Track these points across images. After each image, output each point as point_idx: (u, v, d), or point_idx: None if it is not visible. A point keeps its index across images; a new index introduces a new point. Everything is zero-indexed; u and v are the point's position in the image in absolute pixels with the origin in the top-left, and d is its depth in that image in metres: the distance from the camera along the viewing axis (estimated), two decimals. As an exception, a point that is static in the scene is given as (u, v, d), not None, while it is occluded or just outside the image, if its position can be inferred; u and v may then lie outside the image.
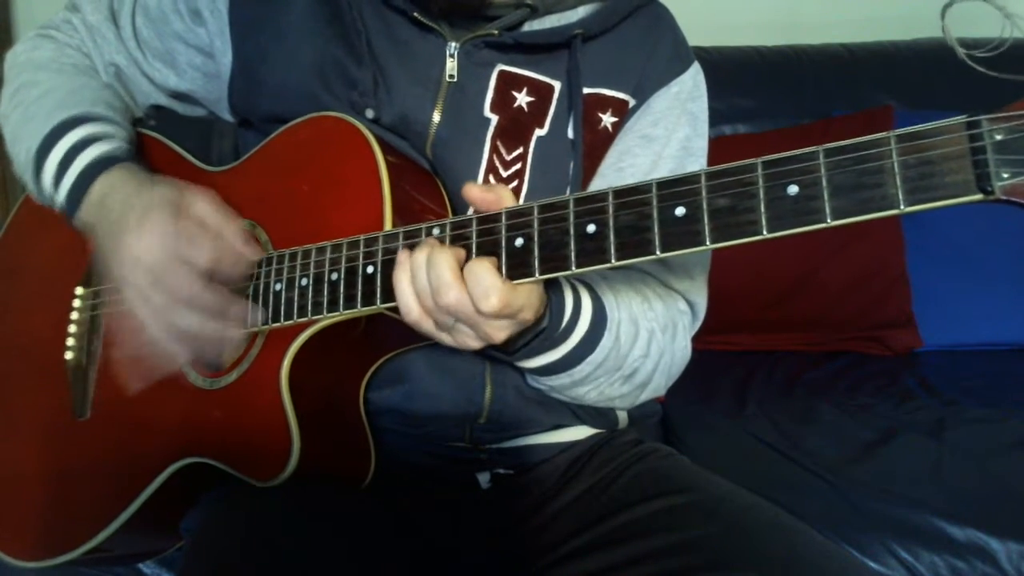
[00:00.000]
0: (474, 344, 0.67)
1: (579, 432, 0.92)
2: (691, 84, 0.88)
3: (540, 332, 0.72)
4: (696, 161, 0.87)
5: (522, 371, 0.83)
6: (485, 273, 0.62)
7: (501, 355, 0.78)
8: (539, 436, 0.90)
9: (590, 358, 0.77)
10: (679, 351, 0.85)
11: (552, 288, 0.72)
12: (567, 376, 0.78)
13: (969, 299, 1.62)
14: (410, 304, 0.65)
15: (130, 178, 0.80)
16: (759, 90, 1.79)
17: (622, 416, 0.93)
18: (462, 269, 0.63)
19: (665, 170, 0.84)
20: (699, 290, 0.87)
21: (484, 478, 0.89)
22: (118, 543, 0.84)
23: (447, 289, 0.62)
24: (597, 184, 0.85)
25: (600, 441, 0.92)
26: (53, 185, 0.83)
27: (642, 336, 0.80)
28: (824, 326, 1.66)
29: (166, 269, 0.71)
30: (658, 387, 0.85)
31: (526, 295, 0.64)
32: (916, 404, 1.42)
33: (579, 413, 0.90)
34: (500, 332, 0.65)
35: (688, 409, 1.38)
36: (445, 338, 0.67)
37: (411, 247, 0.66)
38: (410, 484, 0.87)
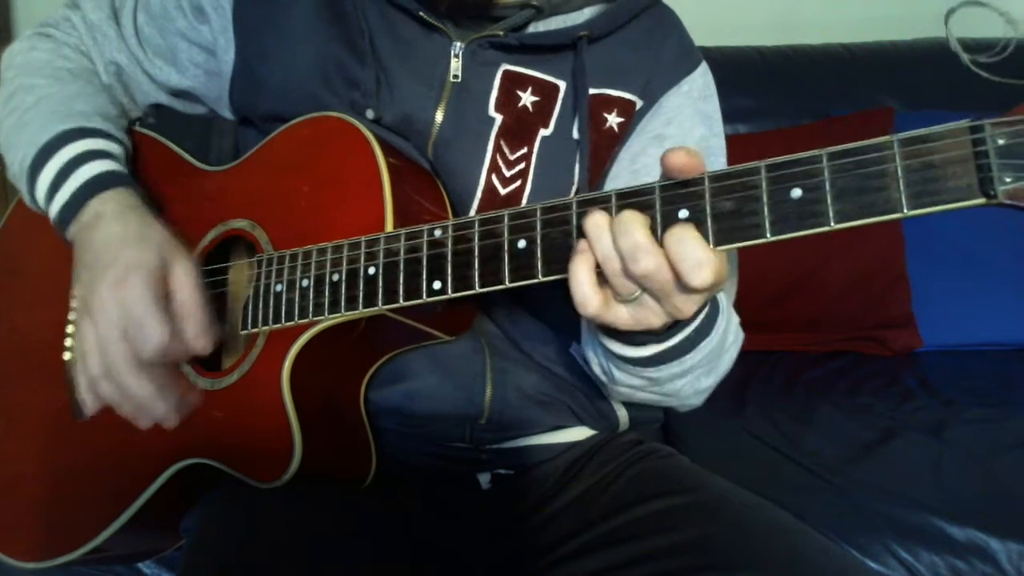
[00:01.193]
0: (656, 322, 0.61)
1: (579, 433, 0.92)
2: (701, 83, 0.88)
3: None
4: (716, 160, 0.86)
5: (614, 368, 0.76)
6: (695, 245, 0.55)
7: (615, 342, 0.70)
8: (539, 436, 0.90)
9: (709, 338, 0.71)
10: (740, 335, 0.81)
11: None
12: (678, 364, 0.71)
13: (969, 299, 1.62)
14: (584, 284, 0.59)
15: (124, 210, 0.79)
16: (759, 90, 1.79)
17: (623, 419, 0.93)
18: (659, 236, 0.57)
19: None
20: (731, 289, 0.86)
21: (484, 478, 0.89)
22: (118, 543, 0.84)
23: (643, 254, 0.55)
24: (608, 187, 0.85)
25: (600, 441, 0.92)
26: (47, 200, 0.82)
27: (733, 320, 0.78)
28: (824, 326, 1.67)
29: (112, 340, 0.71)
30: (726, 372, 0.81)
31: (722, 267, 0.57)
32: (916, 404, 1.42)
33: (580, 414, 0.90)
34: (693, 306, 0.59)
35: (688, 409, 1.38)
36: (613, 313, 0.60)
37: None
38: (410, 484, 0.87)
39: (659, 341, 0.68)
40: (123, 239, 0.75)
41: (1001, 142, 0.47)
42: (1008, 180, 0.46)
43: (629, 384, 0.77)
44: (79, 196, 0.80)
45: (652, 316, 0.60)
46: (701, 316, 0.68)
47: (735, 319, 0.79)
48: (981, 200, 0.48)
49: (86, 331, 0.73)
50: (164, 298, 0.73)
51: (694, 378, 0.75)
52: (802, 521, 0.78)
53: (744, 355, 1.62)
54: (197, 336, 0.74)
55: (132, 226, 0.77)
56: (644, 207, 0.58)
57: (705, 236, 0.55)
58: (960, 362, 1.59)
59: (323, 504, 0.76)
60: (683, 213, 0.56)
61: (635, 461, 0.88)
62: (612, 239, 0.57)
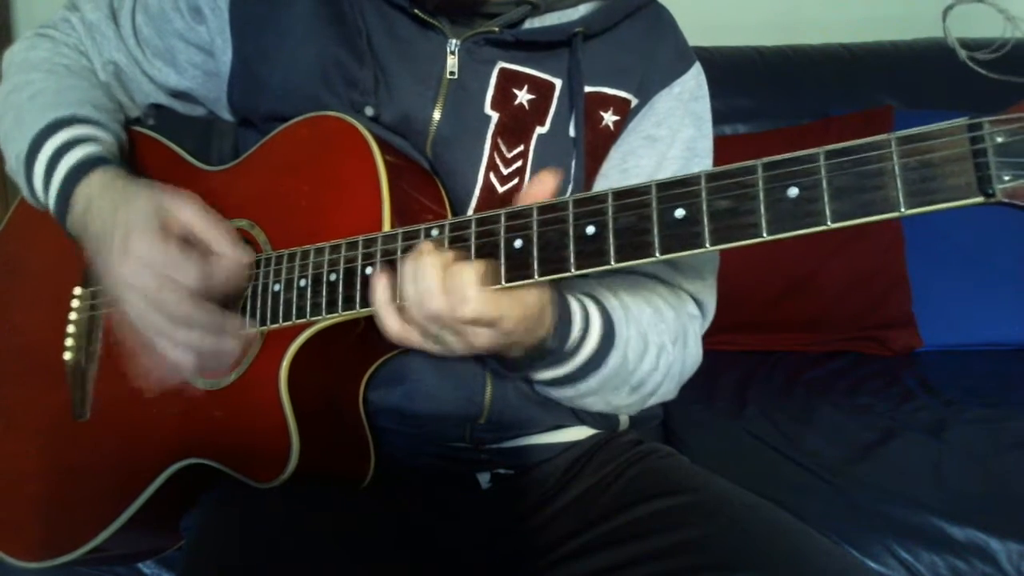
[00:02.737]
0: (461, 350, 0.66)
1: (580, 432, 0.92)
2: (693, 84, 0.88)
3: (545, 352, 0.72)
4: (701, 162, 0.87)
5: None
6: (463, 281, 0.61)
7: (500, 368, 0.78)
8: (540, 436, 0.89)
9: (596, 373, 0.76)
10: (690, 358, 0.84)
11: (561, 305, 0.71)
12: (572, 389, 0.78)
13: (969, 299, 1.62)
14: (390, 322, 0.66)
15: (108, 185, 0.79)
16: (758, 90, 1.78)
17: (623, 418, 0.93)
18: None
19: (670, 171, 0.84)
20: (709, 290, 0.86)
21: (484, 478, 0.89)
22: (118, 543, 0.85)
23: (431, 297, 0.61)
24: (600, 185, 0.85)
25: (600, 441, 0.92)
26: (43, 192, 0.83)
27: (651, 351, 0.79)
28: (824, 326, 1.66)
29: (157, 291, 0.71)
30: (667, 393, 0.85)
31: (507, 306, 0.63)
32: (916, 404, 1.42)
33: (580, 414, 0.89)
34: (480, 339, 0.64)
35: (688, 409, 1.38)
36: (431, 347, 0.66)
37: (391, 264, 0.67)
38: (410, 484, 0.87)
39: (549, 368, 0.74)
40: (112, 210, 0.76)
41: (999, 140, 0.47)
42: (1006, 178, 0.46)
43: (545, 394, 0.83)
44: (66, 188, 0.81)
45: (456, 346, 0.65)
46: (589, 350, 0.74)
47: (665, 351, 0.81)
48: (979, 199, 0.47)
49: (127, 306, 0.74)
50: (181, 240, 0.73)
51: (601, 397, 0.80)
52: (802, 521, 0.78)
53: (744, 355, 1.65)
54: (230, 245, 0.74)
55: (117, 195, 0.77)
56: (640, 206, 0.58)
57: (701, 235, 0.55)
58: (960, 362, 1.59)
59: (323, 504, 0.76)
60: (679, 212, 0.56)
61: (635, 461, 0.88)
62: (413, 286, 0.63)
